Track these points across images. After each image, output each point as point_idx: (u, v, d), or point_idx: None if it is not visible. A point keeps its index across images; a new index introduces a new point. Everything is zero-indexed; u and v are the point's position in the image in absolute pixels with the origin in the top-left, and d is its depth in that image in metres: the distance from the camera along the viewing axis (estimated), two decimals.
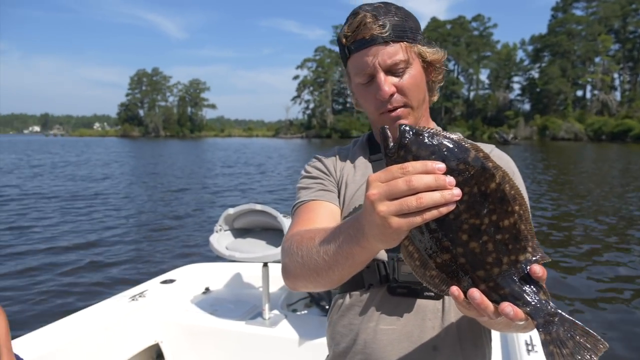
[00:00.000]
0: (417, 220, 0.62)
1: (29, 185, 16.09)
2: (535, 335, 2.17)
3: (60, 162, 28.85)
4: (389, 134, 0.69)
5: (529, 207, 0.68)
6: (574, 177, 18.65)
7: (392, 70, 1.01)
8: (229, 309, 2.94)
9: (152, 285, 3.14)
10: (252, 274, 3.39)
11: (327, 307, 3.02)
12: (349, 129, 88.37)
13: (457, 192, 0.63)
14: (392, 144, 0.68)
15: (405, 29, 1.00)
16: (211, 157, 34.50)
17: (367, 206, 0.66)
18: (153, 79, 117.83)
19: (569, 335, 0.66)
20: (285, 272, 0.95)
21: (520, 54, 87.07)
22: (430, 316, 1.01)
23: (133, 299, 2.88)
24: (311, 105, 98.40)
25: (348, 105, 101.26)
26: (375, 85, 1.01)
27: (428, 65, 1.06)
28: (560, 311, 0.67)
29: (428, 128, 0.68)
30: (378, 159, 1.14)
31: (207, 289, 3.28)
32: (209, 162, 28.50)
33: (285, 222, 2.60)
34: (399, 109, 1.03)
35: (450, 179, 0.63)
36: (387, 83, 1.00)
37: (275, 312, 2.88)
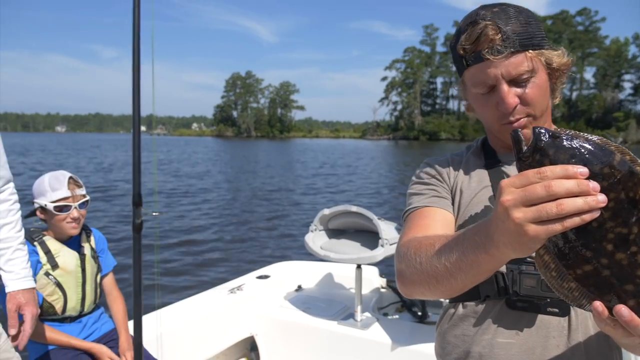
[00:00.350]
0: (557, 228, 0.58)
1: (142, 180, 17.54)
2: None
3: (165, 159, 31.10)
4: (522, 137, 0.65)
5: None
6: None
7: (515, 81, 0.96)
8: (321, 308, 2.97)
9: (248, 280, 3.28)
10: (343, 274, 3.41)
11: (419, 313, 2.96)
12: (438, 131, 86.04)
13: (602, 198, 0.58)
14: (525, 147, 0.65)
15: (530, 35, 0.94)
16: (301, 157, 35.34)
17: (500, 213, 0.63)
18: (246, 82, 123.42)
19: None
20: (402, 278, 0.92)
21: (632, 50, 79.00)
22: (555, 334, 0.94)
23: (232, 292, 3.02)
24: (399, 107, 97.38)
25: (437, 106, 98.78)
26: (497, 96, 0.97)
27: (553, 71, 1.00)
28: None
29: (566, 130, 0.64)
30: (493, 165, 1.08)
31: (299, 287, 3.36)
32: (300, 163, 29.21)
33: (381, 225, 2.57)
34: (521, 120, 0.98)
35: (594, 184, 0.58)
36: (511, 95, 0.95)
37: (367, 314, 2.87)
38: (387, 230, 2.60)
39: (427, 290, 0.87)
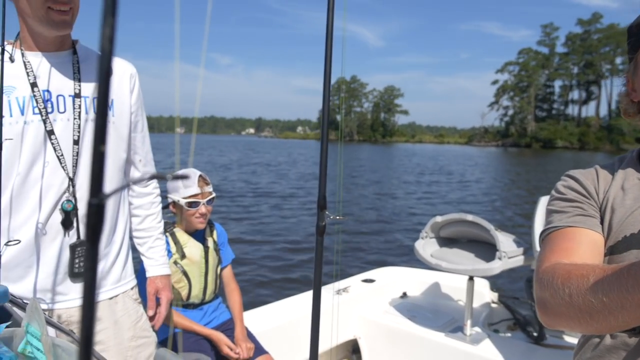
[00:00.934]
0: None
1: (254, 181, 18.54)
2: None
3: (273, 161, 32.43)
4: None
5: None
6: None
7: None
8: (427, 318, 2.90)
9: (354, 282, 3.30)
10: (451, 284, 3.30)
11: (534, 333, 2.76)
12: (553, 139, 79.83)
13: None
14: None
15: None
16: (406, 162, 34.83)
17: None
18: (351, 86, 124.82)
19: None
20: (544, 308, 0.85)
21: None
22: None
23: (338, 293, 3.06)
24: (510, 112, 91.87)
25: (554, 112, 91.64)
26: None
27: None
28: None
29: None
30: None
31: (404, 294, 3.31)
32: (406, 168, 28.79)
33: (499, 236, 2.44)
34: None
35: None
36: None
37: (477, 329, 2.74)
38: (506, 242, 2.46)
39: (576, 324, 0.79)
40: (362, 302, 3.10)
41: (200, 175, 2.15)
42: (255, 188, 16.24)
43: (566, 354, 2.52)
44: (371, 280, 3.35)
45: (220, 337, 2.15)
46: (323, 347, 2.83)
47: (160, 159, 30.71)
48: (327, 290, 3.12)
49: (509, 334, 2.85)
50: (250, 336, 2.28)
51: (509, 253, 2.42)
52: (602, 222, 0.96)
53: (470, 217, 2.56)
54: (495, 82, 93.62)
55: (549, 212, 1.02)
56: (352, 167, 28.42)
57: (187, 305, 2.21)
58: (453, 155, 50.37)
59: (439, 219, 2.73)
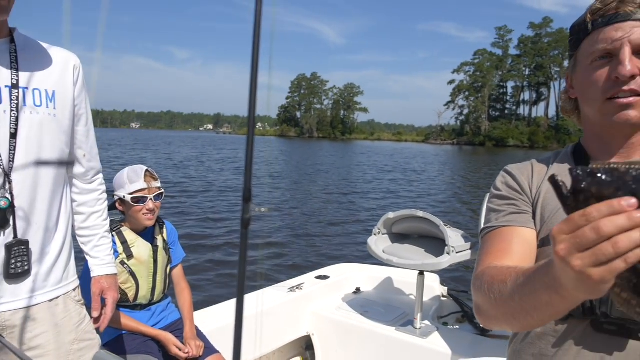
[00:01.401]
0: (620, 265, 0.54)
1: (210, 178, 18.19)
2: None
3: (235, 158, 31.85)
4: (560, 182, 0.61)
5: None
6: None
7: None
8: (379, 313, 2.95)
9: (307, 279, 3.31)
10: (403, 279, 3.37)
11: (481, 325, 2.86)
12: (505, 137, 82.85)
13: None
14: (566, 191, 0.61)
15: None
16: (364, 160, 35.21)
17: (558, 263, 0.60)
18: (311, 83, 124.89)
19: None
20: (479, 311, 0.91)
21: None
22: None
23: (291, 290, 3.06)
24: (465, 111, 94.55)
25: (506, 112, 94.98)
26: (615, 62, 0.89)
27: None
28: None
29: (603, 163, 0.59)
30: None
31: (358, 289, 3.35)
32: (363, 165, 29.09)
33: (448, 232, 2.51)
34: (631, 97, 0.89)
35: None
36: (633, 62, 0.88)
37: (427, 322, 2.81)
38: (454, 237, 2.54)
39: (505, 325, 0.85)
40: (316, 299, 3.12)
41: (147, 170, 2.09)
42: (211, 185, 16.00)
43: None
44: (325, 277, 3.37)
45: (168, 337, 2.11)
46: (275, 344, 2.84)
47: (118, 155, 29.54)
48: (277, 289, 3.14)
49: (457, 327, 2.94)
50: (200, 335, 2.25)
51: (457, 248, 2.50)
52: (534, 217, 1.01)
53: (420, 213, 2.62)
54: (451, 82, 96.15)
55: (488, 210, 1.07)
56: (311, 164, 28.46)
57: (135, 306, 2.15)
58: (411, 153, 51.37)
59: (391, 215, 2.78)
